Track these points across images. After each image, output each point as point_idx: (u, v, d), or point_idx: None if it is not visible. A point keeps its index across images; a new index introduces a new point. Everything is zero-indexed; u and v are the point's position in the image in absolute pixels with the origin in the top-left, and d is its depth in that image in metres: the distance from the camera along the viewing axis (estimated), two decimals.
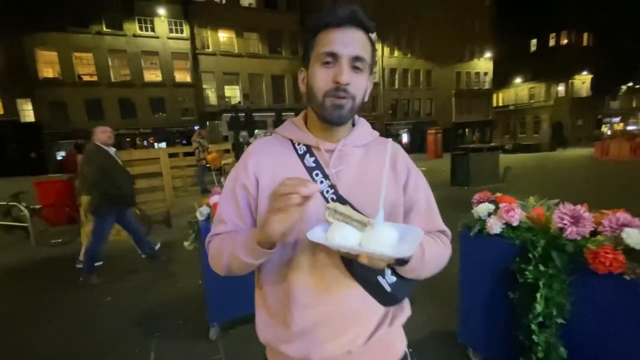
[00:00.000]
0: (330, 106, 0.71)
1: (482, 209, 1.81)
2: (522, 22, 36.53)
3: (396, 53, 29.67)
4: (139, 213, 4.68)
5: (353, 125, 0.83)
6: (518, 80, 39.42)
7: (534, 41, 38.00)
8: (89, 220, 3.66)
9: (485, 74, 35.27)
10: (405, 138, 31.53)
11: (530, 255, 1.53)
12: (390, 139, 0.75)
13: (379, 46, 26.20)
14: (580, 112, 34.96)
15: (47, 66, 20.67)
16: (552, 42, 36.19)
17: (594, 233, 1.43)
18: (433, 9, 29.30)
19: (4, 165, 19.23)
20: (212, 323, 2.42)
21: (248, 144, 11.55)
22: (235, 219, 0.77)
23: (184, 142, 21.44)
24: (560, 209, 1.50)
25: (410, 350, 0.87)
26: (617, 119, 39.74)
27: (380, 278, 0.73)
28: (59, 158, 19.08)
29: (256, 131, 19.73)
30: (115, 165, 3.45)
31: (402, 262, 0.65)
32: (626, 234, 1.29)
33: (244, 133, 16.47)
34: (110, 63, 21.82)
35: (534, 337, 1.50)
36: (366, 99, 0.77)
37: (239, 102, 23.52)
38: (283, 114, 24.71)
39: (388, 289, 0.73)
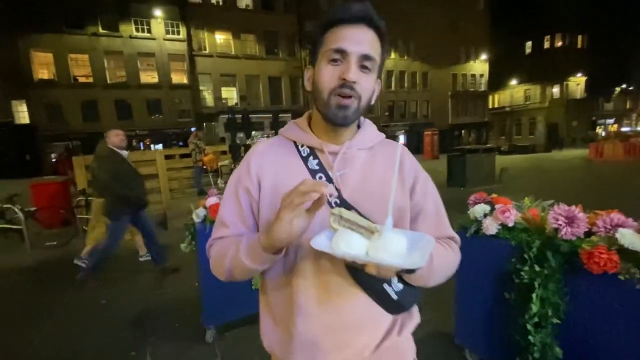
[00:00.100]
0: (335, 106, 0.68)
1: (478, 210, 1.82)
2: (517, 24, 36.82)
3: (393, 55, 29.80)
4: None
5: (359, 127, 0.80)
6: (513, 82, 39.72)
7: (528, 43, 38.34)
8: (98, 222, 3.63)
9: (481, 75, 35.51)
10: (402, 139, 31.59)
11: (526, 256, 1.54)
12: (399, 143, 0.73)
13: None
14: (575, 113, 35.25)
15: (43, 67, 20.46)
16: (546, 44, 36.50)
17: (588, 233, 1.44)
18: (429, 12, 29.51)
19: None
20: (208, 325, 2.41)
21: (245, 145, 11.55)
22: (238, 221, 0.75)
23: (181, 143, 21.32)
24: (555, 209, 1.50)
25: None
26: (611, 121, 40.09)
27: (386, 286, 0.70)
28: (53, 160, 18.91)
29: (253, 133, 19.66)
30: (128, 168, 3.47)
31: (410, 270, 0.62)
32: (620, 234, 1.30)
33: (241, 135, 16.39)
34: (106, 64, 21.63)
35: (529, 337, 1.51)
36: (373, 102, 0.75)
37: (236, 104, 23.47)
38: (280, 115, 24.72)
39: (395, 296, 0.70)
